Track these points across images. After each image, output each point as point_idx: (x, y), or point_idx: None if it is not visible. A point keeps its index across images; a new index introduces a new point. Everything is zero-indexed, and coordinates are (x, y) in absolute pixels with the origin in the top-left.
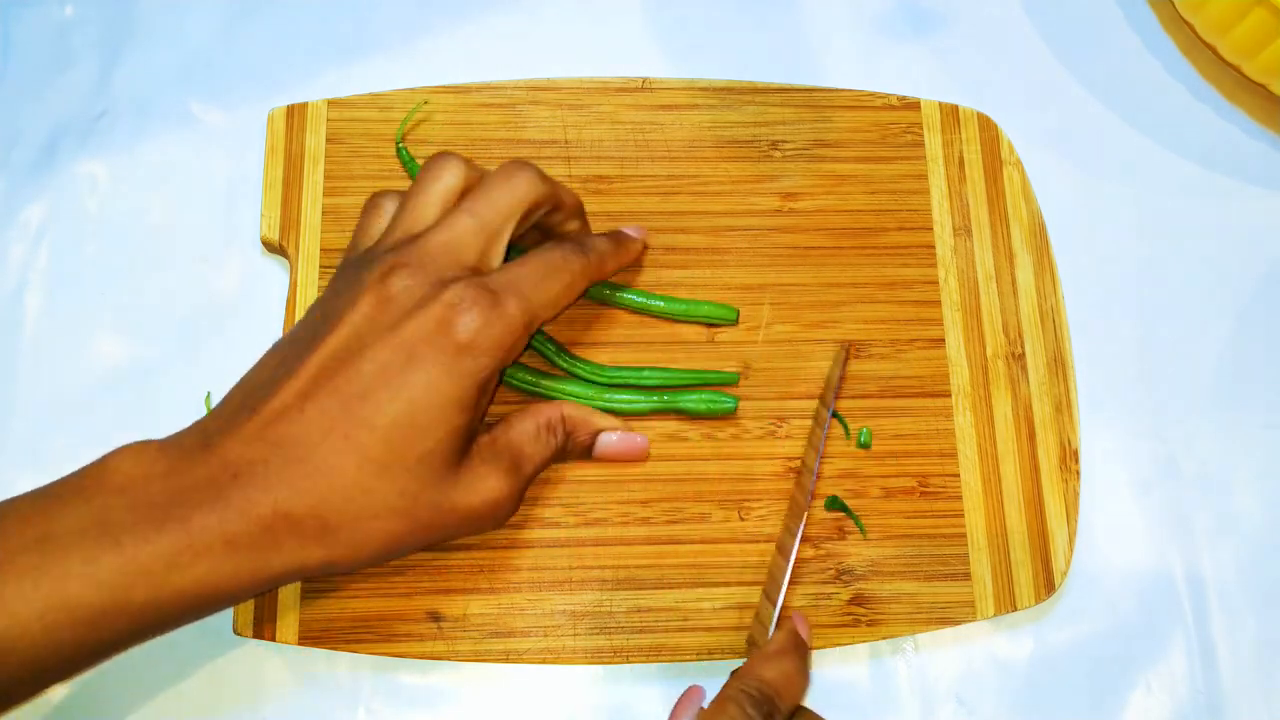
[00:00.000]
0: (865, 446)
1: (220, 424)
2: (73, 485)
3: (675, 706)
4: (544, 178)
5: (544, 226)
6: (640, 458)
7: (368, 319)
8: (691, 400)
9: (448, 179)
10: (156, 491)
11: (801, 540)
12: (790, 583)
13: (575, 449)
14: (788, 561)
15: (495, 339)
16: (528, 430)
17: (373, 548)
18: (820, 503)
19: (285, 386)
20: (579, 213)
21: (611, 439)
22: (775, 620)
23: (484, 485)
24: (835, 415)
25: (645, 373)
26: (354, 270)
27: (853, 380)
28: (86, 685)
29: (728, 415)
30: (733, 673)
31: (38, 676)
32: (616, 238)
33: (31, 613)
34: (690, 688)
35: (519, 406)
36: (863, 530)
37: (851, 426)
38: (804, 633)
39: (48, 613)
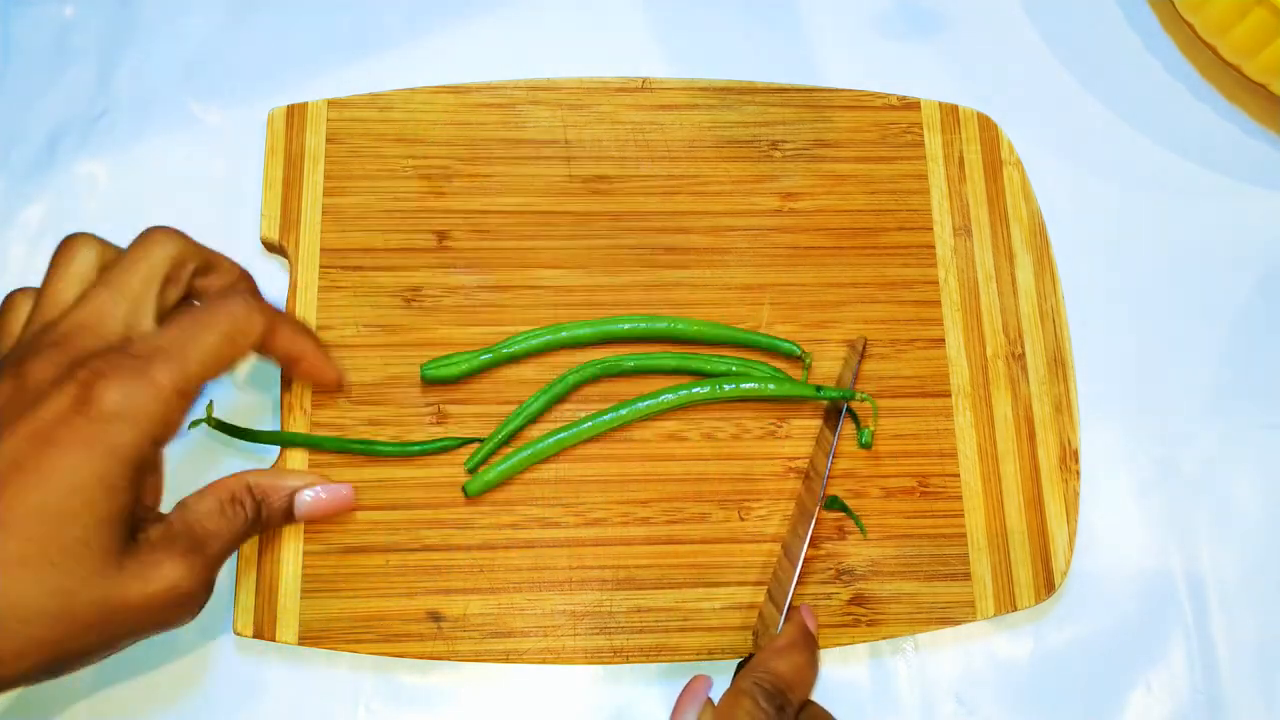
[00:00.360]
0: (866, 446)
1: None
2: None
3: (680, 697)
4: (185, 238)
5: (199, 293)
6: (347, 508)
7: (1, 410)
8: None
9: (80, 261)
10: None
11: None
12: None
13: (273, 515)
14: (795, 567)
15: (139, 408)
16: (209, 508)
17: (32, 657)
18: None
19: None
20: (241, 276)
21: (309, 496)
22: (784, 615)
23: (159, 573)
24: (850, 412)
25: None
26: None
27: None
28: (85, 685)
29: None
30: (739, 666)
31: None
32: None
33: None
34: (695, 678)
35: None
36: (863, 530)
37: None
38: (812, 626)
39: None
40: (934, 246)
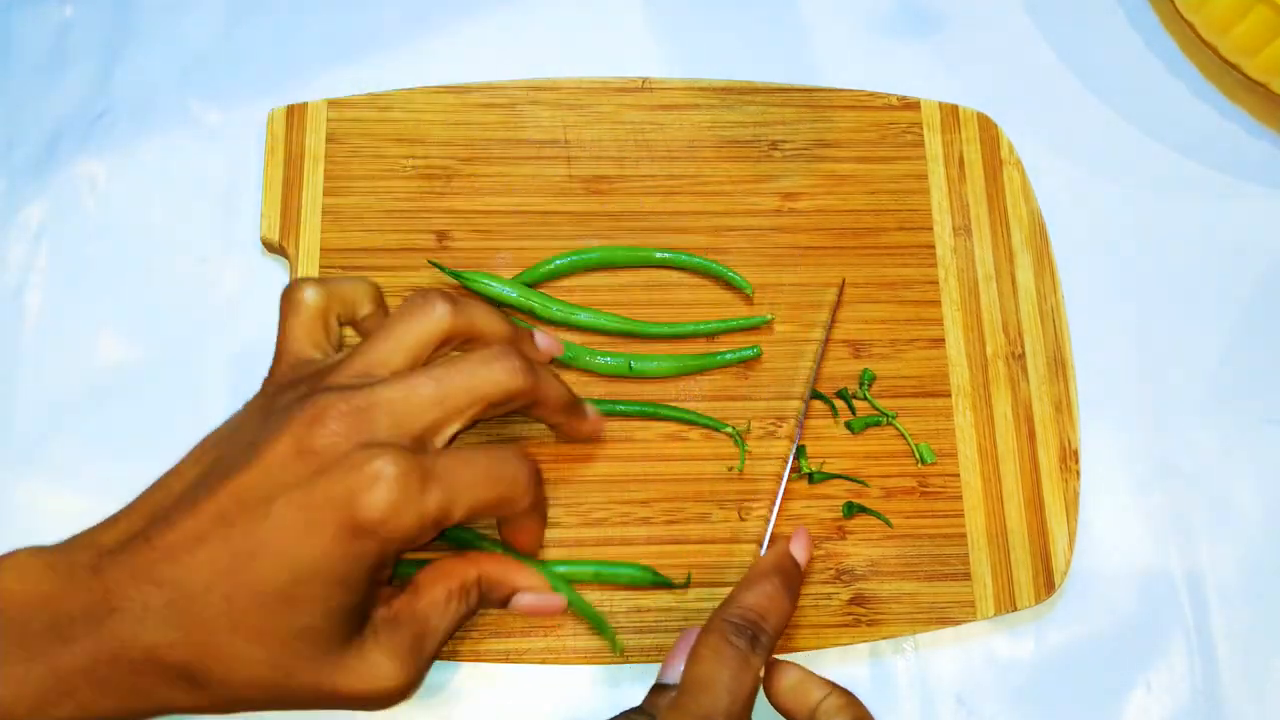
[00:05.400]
0: (925, 462)
1: (117, 544)
2: None
3: (675, 645)
4: (530, 370)
5: (522, 415)
6: (557, 614)
7: (282, 465)
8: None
9: (429, 326)
10: (34, 618)
11: None
12: None
13: (488, 605)
14: (778, 490)
15: (402, 528)
16: (436, 598)
17: (242, 705)
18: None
19: (185, 522)
20: (566, 409)
21: (528, 599)
22: (766, 542)
23: (374, 672)
24: (820, 397)
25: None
26: (294, 394)
27: (854, 380)
28: None
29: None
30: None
31: None
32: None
33: None
34: (690, 628)
35: (435, 557)
36: (888, 522)
37: (862, 427)
38: (799, 552)
39: None
40: (934, 246)
